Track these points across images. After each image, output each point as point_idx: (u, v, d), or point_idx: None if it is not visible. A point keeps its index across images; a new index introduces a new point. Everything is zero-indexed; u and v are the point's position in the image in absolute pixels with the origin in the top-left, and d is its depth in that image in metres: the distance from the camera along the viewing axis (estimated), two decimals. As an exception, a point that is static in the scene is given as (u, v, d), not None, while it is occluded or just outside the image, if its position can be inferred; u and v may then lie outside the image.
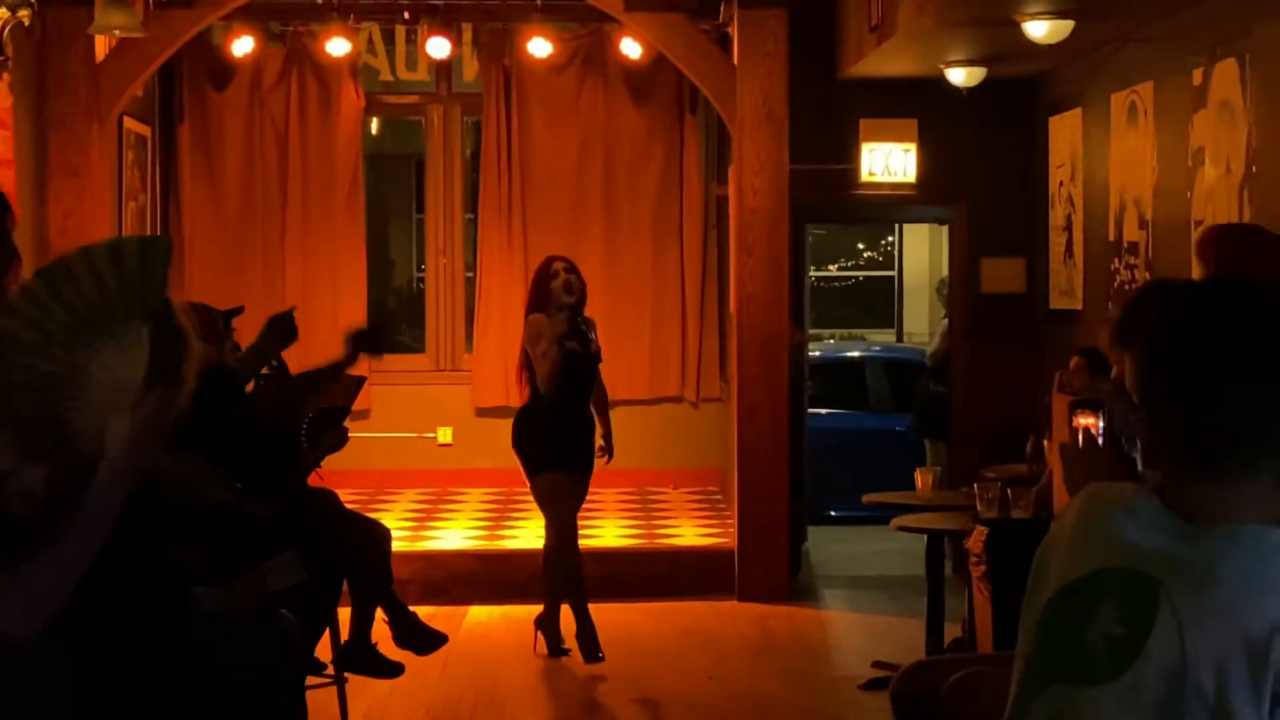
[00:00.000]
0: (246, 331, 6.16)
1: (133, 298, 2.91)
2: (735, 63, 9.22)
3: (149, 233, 10.46)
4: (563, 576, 7.49)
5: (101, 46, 8.84)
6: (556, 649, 7.52)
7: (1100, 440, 3.40)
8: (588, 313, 7.65)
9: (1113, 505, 2.13)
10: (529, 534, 9.74)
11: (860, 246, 21.50)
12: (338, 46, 10.65)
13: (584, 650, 7.41)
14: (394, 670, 6.14)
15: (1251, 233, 5.59)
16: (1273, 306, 2.11)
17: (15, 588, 2.56)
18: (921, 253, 18.77)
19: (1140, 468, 2.16)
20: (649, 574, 8.79)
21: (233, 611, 3.89)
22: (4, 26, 6.38)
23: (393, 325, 5.98)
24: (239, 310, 6.17)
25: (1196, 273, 5.27)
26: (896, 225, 18.65)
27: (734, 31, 9.29)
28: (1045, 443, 6.53)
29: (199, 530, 3.96)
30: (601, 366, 7.68)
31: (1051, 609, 2.12)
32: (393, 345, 6.07)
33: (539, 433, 7.44)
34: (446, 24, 10.39)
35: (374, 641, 6.10)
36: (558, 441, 7.44)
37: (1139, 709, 1.97)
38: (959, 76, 8.94)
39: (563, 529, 7.50)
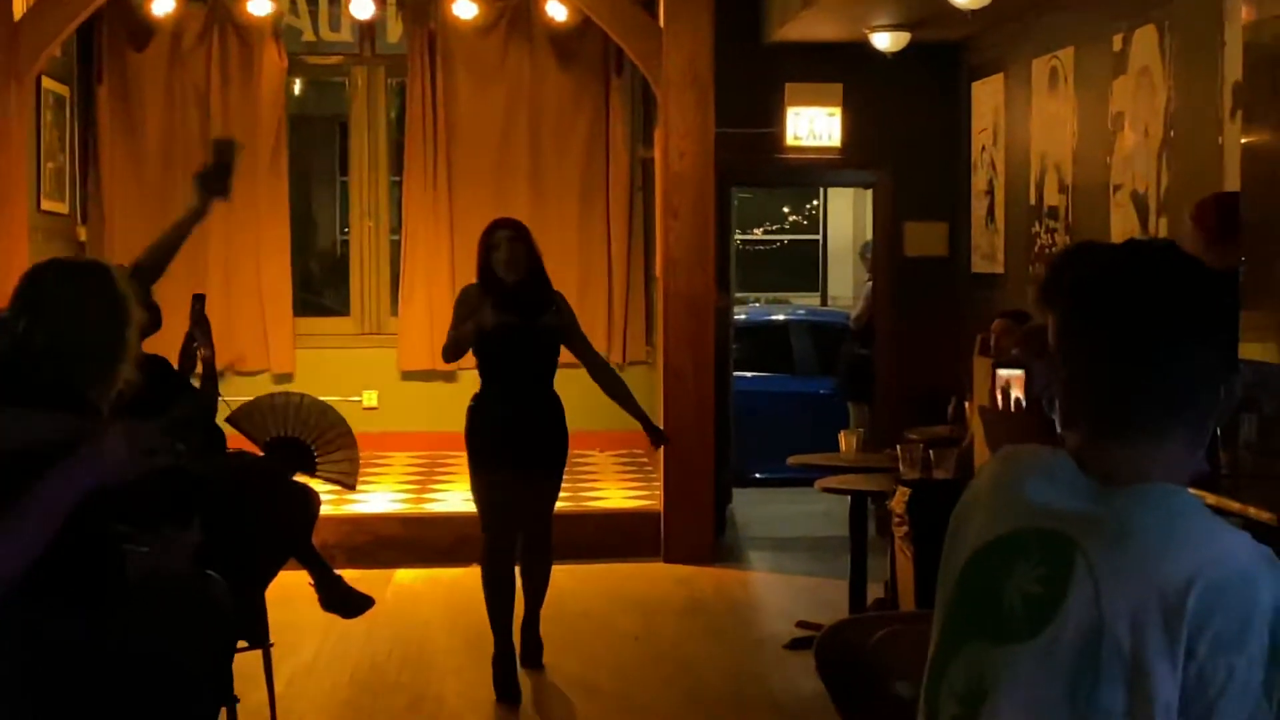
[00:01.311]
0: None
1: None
2: (661, 25, 9.20)
3: (68, 190, 10.38)
4: (492, 590, 6.58)
5: (19, 5, 8.72)
6: (504, 690, 6.46)
7: (1022, 401, 3.47)
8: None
9: (1028, 467, 2.17)
10: (455, 497, 9.76)
11: (785, 210, 21.54)
12: (259, 6, 10.58)
13: (524, 652, 6.72)
14: (368, 602, 6.09)
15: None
16: (1190, 270, 2.15)
17: None
18: (846, 216, 18.87)
19: (1059, 429, 2.20)
20: (575, 537, 8.77)
21: (161, 572, 3.89)
22: (-81, -15, 6.27)
23: (232, 157, 5.47)
24: (202, 297, 6.12)
25: (1193, 241, 5.27)
26: (821, 189, 18.72)
27: (660, -6, 9.30)
28: (967, 404, 6.60)
29: (136, 496, 3.92)
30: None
31: (969, 569, 2.15)
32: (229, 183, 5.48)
33: (470, 425, 6.62)
34: (371, -15, 10.35)
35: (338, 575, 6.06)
36: (486, 434, 6.54)
37: (1056, 666, 2.00)
38: (883, 41, 9.00)
39: (488, 538, 6.62)
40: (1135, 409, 2.08)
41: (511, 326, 6.35)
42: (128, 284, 3.88)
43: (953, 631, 2.13)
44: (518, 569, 6.67)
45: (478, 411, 6.60)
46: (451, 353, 6.61)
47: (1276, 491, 4.29)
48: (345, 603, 6.12)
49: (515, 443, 6.45)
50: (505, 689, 6.44)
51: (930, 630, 2.24)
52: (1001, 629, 2.06)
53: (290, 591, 6.15)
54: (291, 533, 5.76)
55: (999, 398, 3.60)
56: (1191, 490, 2.10)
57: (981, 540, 2.14)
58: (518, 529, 6.60)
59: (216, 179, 5.40)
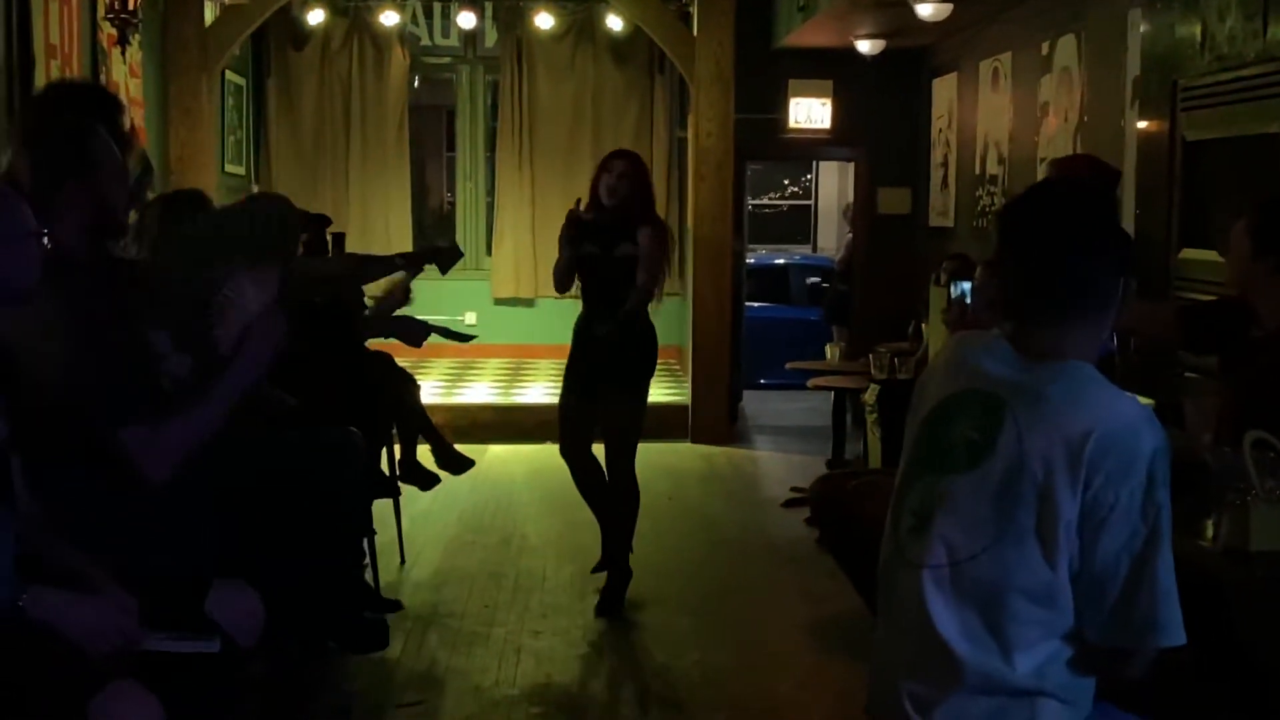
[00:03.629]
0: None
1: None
2: (695, 35, 9.17)
3: (245, 157, 10.44)
4: (587, 494, 5.51)
5: (208, 15, 8.77)
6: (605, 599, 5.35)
7: (967, 304, 3.53)
8: None
9: (975, 345, 2.22)
10: (535, 391, 9.84)
11: (785, 181, 21.39)
12: (389, 18, 10.58)
13: (605, 593, 5.41)
14: (433, 481, 5.96)
15: (1088, 160, 5.54)
16: (1086, 198, 2.19)
17: (156, 441, 2.61)
18: (832, 184, 18.74)
19: (995, 323, 2.23)
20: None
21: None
22: (138, -3, 6.32)
23: (456, 252, 5.19)
24: (342, 235, 6.01)
25: None
26: (814, 164, 18.59)
27: (694, 10, 9.23)
28: (923, 325, 6.61)
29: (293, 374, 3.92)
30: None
31: (928, 420, 2.20)
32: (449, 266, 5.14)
33: (570, 350, 5.45)
34: (473, 1, 10.32)
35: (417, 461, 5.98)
36: (573, 352, 5.42)
37: (987, 491, 2.06)
38: (865, 47, 8.94)
39: (564, 454, 5.45)
40: (1051, 302, 2.12)
41: (592, 255, 5.32)
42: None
43: (914, 465, 2.19)
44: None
45: (574, 331, 5.46)
46: (558, 284, 5.44)
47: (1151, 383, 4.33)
48: (454, 463, 6.18)
49: (588, 363, 5.35)
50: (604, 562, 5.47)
51: (890, 478, 2.29)
52: (948, 463, 2.11)
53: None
54: (400, 401, 5.76)
55: (955, 307, 3.67)
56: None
57: (938, 398, 2.19)
58: (587, 445, 5.44)
59: (446, 261, 5.10)
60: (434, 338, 5.34)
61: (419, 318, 5.39)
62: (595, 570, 5.64)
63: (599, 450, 5.47)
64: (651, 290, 5.29)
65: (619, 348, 5.30)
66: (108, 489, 2.67)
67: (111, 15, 6.34)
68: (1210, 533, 2.53)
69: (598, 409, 5.35)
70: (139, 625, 2.47)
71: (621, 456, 5.40)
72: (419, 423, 5.99)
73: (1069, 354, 2.11)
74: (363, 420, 4.60)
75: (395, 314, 5.45)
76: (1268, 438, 2.44)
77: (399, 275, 5.32)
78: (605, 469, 5.43)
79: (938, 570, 2.06)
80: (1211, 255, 4.49)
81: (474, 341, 5.88)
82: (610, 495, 5.46)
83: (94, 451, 2.62)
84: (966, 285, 3.78)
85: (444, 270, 5.21)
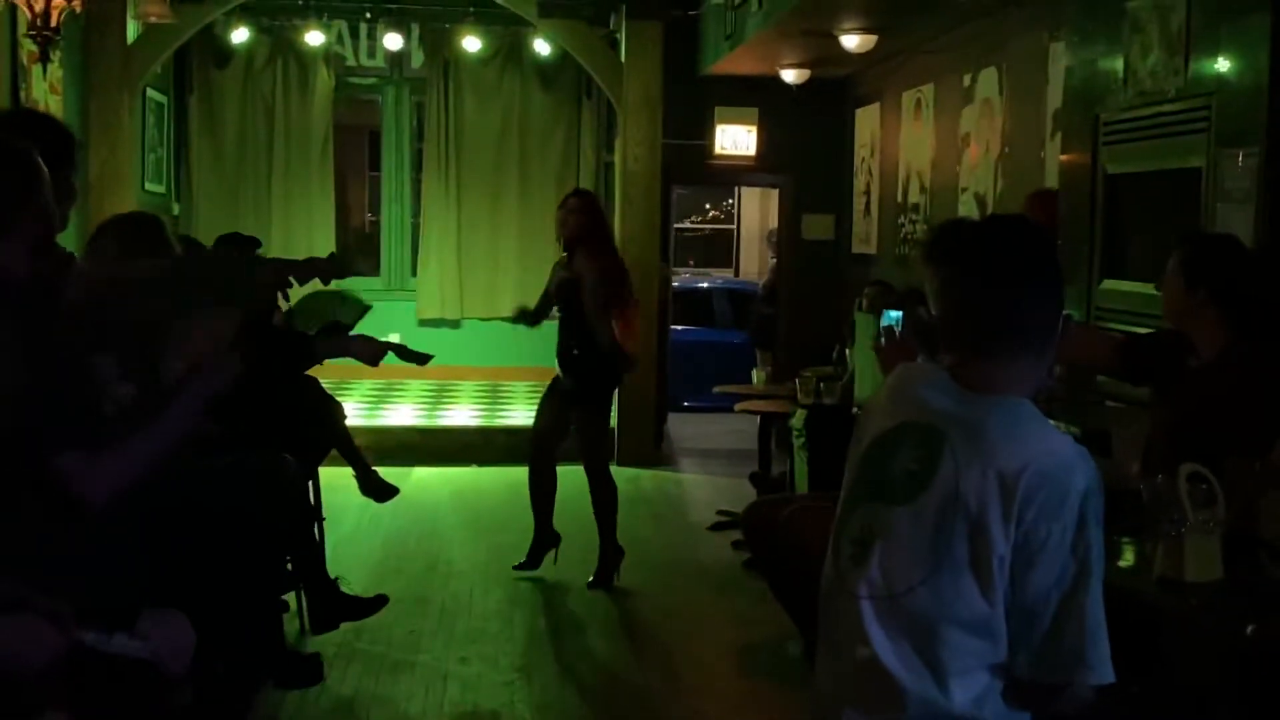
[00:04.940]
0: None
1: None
2: (623, 61, 9.20)
3: (165, 176, 10.27)
4: (534, 493, 6.33)
5: (131, 32, 8.63)
6: (526, 561, 6.29)
7: (899, 337, 3.52)
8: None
9: (916, 377, 2.21)
10: (459, 414, 9.77)
11: (707, 206, 21.52)
12: (314, 38, 10.46)
13: (598, 571, 6.25)
14: (395, 491, 6.01)
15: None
16: (1030, 235, 2.21)
17: (95, 467, 2.55)
18: (754, 210, 18.88)
19: (933, 355, 2.24)
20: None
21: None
22: (59, 13, 6.19)
23: (352, 257, 5.34)
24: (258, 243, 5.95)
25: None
26: (735, 189, 18.72)
27: (622, 37, 9.27)
28: (847, 350, 6.64)
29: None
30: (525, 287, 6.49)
31: (869, 450, 2.19)
32: (349, 271, 5.30)
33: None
34: (400, 23, 10.27)
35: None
36: (554, 378, 6.26)
37: (924, 523, 2.05)
38: (790, 76, 9.02)
39: (530, 455, 6.35)
40: (993, 337, 2.11)
41: (560, 280, 6.04)
42: (173, 235, 3.77)
43: (855, 495, 2.18)
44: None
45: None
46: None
47: (1076, 412, 4.39)
48: (378, 491, 6.10)
49: (559, 376, 6.17)
50: (528, 561, 6.26)
51: (822, 506, 2.28)
52: (888, 494, 2.10)
53: (337, 482, 6.14)
54: (331, 425, 5.70)
55: (884, 335, 3.67)
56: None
57: (880, 429, 2.18)
58: (550, 453, 6.27)
59: (332, 270, 5.28)
60: (390, 357, 5.30)
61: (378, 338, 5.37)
62: (518, 567, 6.24)
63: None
64: (601, 321, 5.90)
65: (582, 371, 6.02)
66: (42, 514, 2.60)
67: (34, 32, 6.20)
68: (1144, 562, 2.56)
69: (566, 425, 6.15)
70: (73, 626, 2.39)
71: (593, 462, 6.24)
72: (343, 447, 5.91)
73: (1009, 388, 2.11)
74: (293, 445, 4.52)
75: (351, 333, 5.38)
76: (1201, 470, 2.47)
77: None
78: (588, 476, 6.24)
79: (877, 600, 2.06)
80: (1131, 286, 4.58)
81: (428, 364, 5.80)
82: (592, 496, 6.30)
83: (27, 475, 2.54)
84: (896, 314, 3.80)
85: (325, 281, 5.22)
